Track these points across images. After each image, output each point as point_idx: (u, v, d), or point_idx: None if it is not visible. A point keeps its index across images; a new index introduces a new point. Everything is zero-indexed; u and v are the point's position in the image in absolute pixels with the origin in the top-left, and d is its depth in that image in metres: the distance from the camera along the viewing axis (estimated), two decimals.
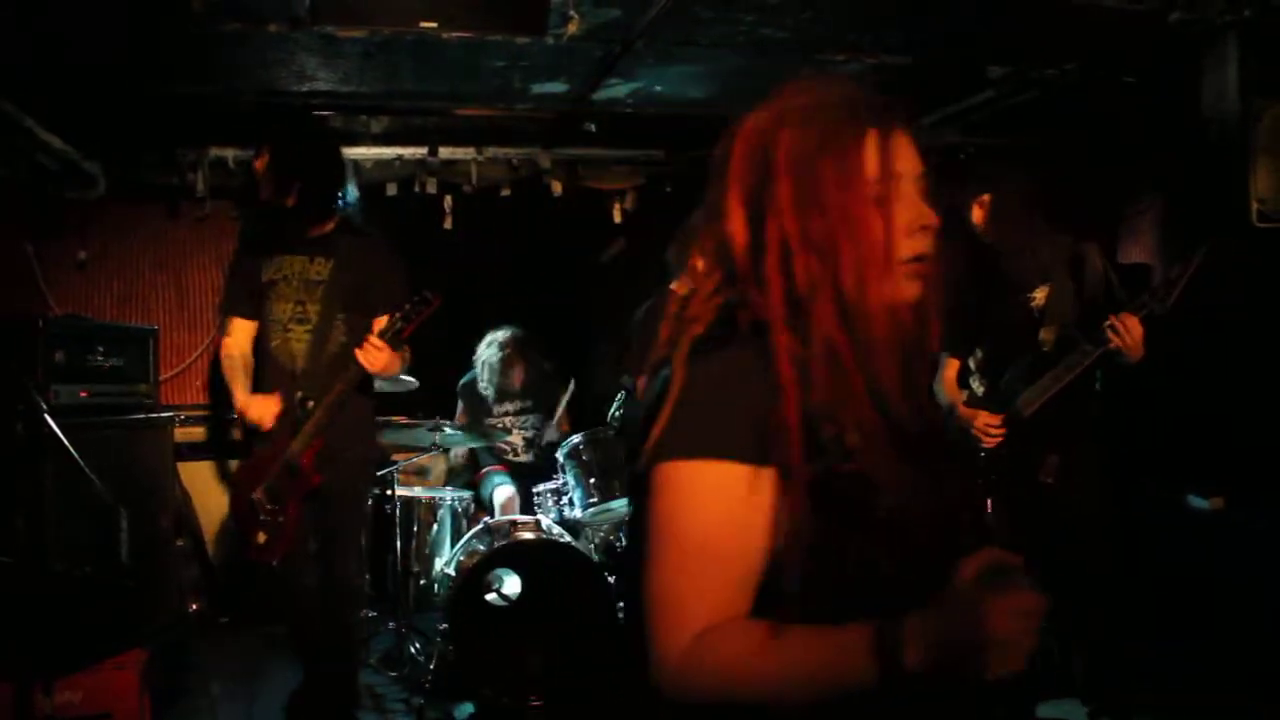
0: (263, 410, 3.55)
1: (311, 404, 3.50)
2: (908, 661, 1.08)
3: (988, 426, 3.80)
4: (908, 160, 1.33)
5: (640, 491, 1.25)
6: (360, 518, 3.83)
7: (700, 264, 1.37)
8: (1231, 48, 3.63)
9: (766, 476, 1.18)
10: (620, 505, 4.57)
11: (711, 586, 1.18)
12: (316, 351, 3.62)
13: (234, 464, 5.37)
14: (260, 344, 3.70)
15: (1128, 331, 3.40)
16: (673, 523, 1.20)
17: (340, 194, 3.88)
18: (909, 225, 1.29)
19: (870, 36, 3.93)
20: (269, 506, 3.52)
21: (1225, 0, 3.53)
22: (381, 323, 3.59)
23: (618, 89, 4.54)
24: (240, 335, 3.74)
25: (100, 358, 4.15)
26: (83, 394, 4.03)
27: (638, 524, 1.28)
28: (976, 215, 3.84)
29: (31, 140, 4.52)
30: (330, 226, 3.69)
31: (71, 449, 3.39)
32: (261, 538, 3.51)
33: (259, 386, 3.67)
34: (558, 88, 4.50)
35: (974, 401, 3.95)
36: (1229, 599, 4.08)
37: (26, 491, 3.58)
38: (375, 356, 3.50)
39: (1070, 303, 3.71)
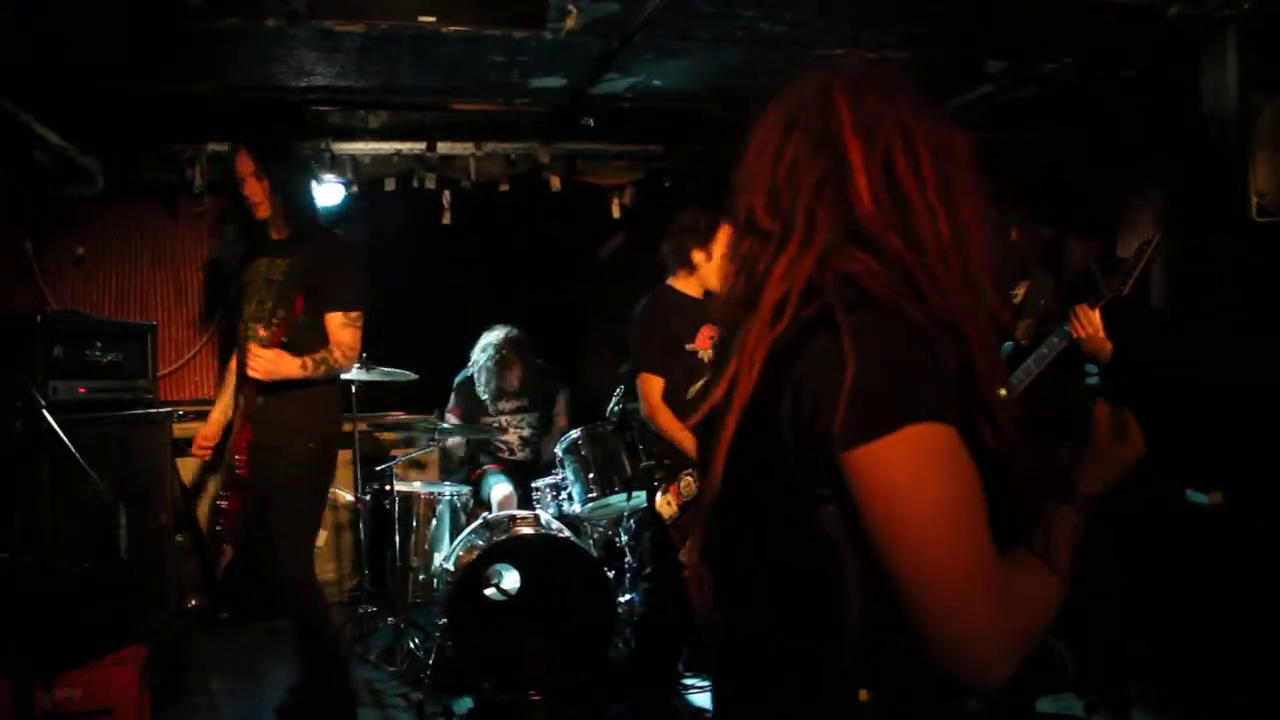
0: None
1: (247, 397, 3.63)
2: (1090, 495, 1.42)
3: None
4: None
5: (837, 476, 1.16)
6: (299, 513, 3.73)
7: (766, 225, 1.33)
8: (1231, 42, 3.62)
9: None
10: (619, 500, 4.57)
11: (987, 540, 1.14)
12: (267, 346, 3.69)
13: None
14: (239, 343, 3.77)
15: (1087, 322, 3.48)
16: (924, 492, 1.12)
17: (308, 200, 3.89)
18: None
19: (868, 30, 3.92)
20: (222, 494, 3.68)
21: None
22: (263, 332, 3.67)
23: (616, 83, 4.54)
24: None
25: (99, 353, 4.15)
26: (81, 390, 4.02)
27: (840, 513, 1.18)
28: None
29: (29, 137, 4.52)
30: (289, 231, 3.76)
31: (70, 445, 3.39)
32: (219, 525, 3.70)
33: (234, 385, 3.80)
34: (556, 82, 4.49)
35: None
36: (1228, 594, 4.08)
37: (25, 487, 3.58)
38: (256, 364, 3.58)
39: (1050, 296, 3.75)
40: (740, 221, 1.37)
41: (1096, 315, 3.49)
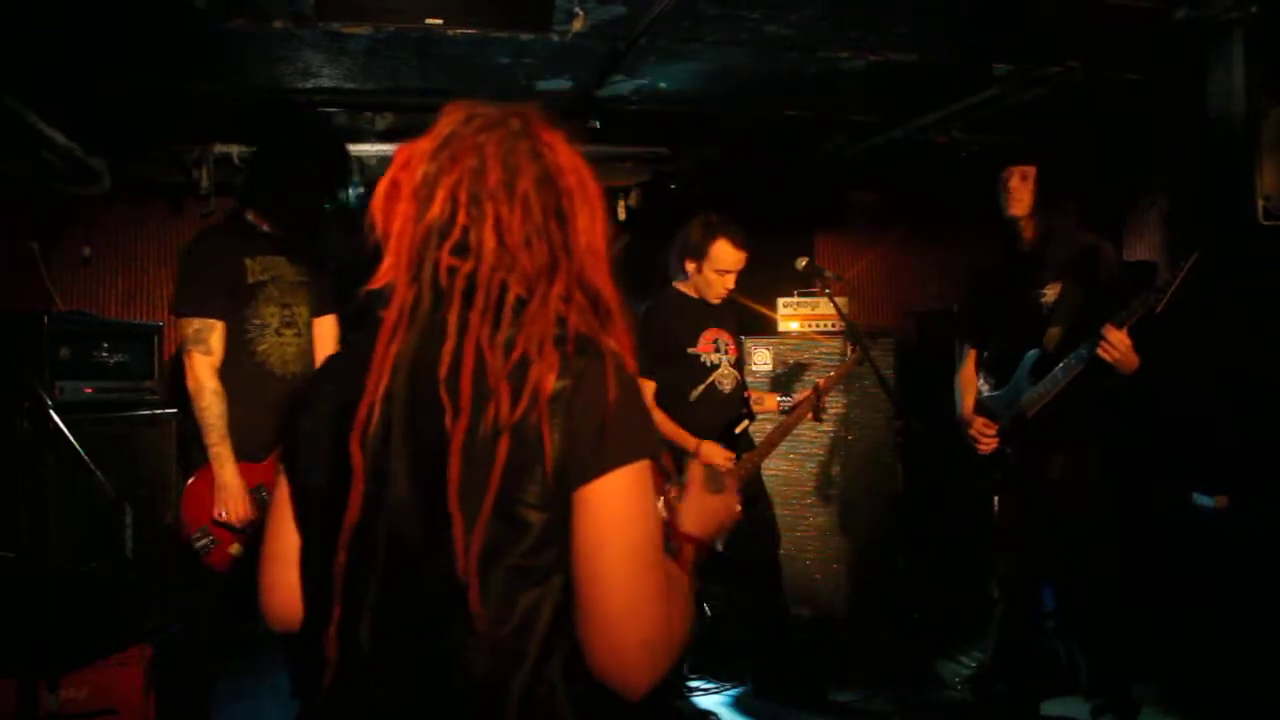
0: (242, 503, 3.29)
1: None
2: (694, 535, 1.53)
3: (980, 434, 3.81)
4: None
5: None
6: None
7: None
8: (1237, 45, 3.61)
9: None
10: None
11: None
12: (307, 357, 3.58)
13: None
14: (240, 347, 3.42)
15: (1114, 346, 3.41)
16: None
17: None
18: None
19: (875, 33, 3.92)
20: (254, 519, 3.33)
21: None
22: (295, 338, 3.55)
23: (622, 86, 4.54)
24: (219, 349, 3.36)
25: (105, 354, 4.16)
26: (87, 390, 4.03)
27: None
28: (1015, 184, 3.72)
29: (36, 136, 4.52)
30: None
31: (76, 445, 3.39)
32: (236, 548, 3.33)
33: (243, 393, 3.37)
34: (562, 84, 4.50)
35: (981, 401, 3.94)
36: (1234, 597, 4.08)
37: (30, 487, 3.58)
38: None
39: (1079, 303, 3.70)
40: None
41: (1124, 335, 3.41)
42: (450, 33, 3.71)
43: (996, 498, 3.92)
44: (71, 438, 3.38)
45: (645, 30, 3.73)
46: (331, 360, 1.54)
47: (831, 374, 4.35)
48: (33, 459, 3.57)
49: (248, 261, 3.43)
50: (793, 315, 5.47)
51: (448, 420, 1.25)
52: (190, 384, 3.32)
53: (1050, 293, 3.74)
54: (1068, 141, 5.32)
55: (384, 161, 5.36)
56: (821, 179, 6.11)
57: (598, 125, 5.03)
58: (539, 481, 1.24)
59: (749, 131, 5.37)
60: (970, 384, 4.02)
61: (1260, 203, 3.64)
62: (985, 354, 3.99)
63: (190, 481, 3.34)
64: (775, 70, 4.33)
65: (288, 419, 1.43)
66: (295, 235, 3.56)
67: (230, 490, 3.28)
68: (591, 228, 1.40)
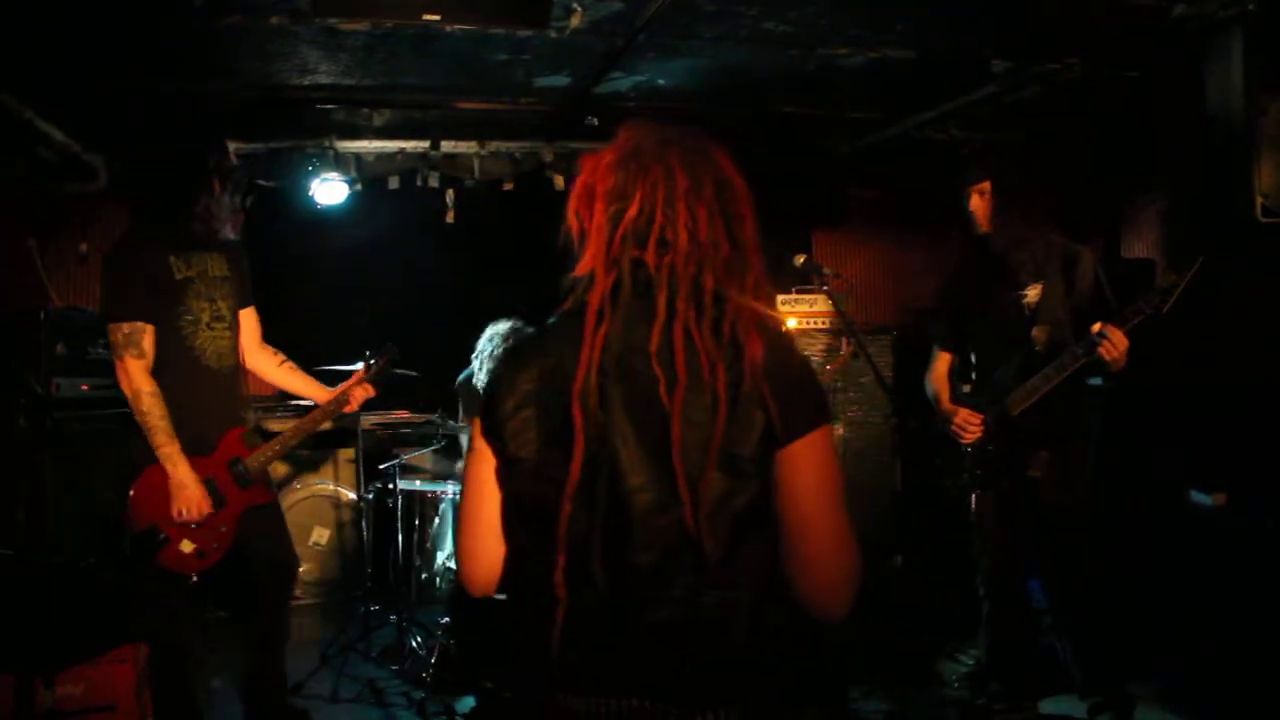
0: (201, 501, 3.33)
1: (256, 420, 3.49)
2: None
3: (966, 423, 3.82)
4: None
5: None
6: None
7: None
8: (1236, 41, 3.61)
9: None
10: None
11: None
12: (236, 349, 3.62)
13: None
14: (175, 344, 3.42)
15: (1114, 346, 3.42)
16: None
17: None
18: None
19: (873, 30, 3.92)
20: (210, 514, 3.36)
21: None
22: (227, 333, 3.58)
23: (620, 83, 4.53)
24: (151, 351, 3.36)
25: (101, 350, 4.15)
26: (84, 386, 4.03)
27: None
28: (975, 204, 3.82)
29: (33, 133, 4.52)
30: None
31: (73, 441, 3.39)
32: (189, 546, 3.34)
33: (184, 389, 3.39)
34: (560, 81, 4.49)
35: (964, 396, 3.96)
36: (1231, 594, 4.08)
37: (28, 484, 3.58)
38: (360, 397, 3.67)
39: (1061, 304, 3.71)
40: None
41: (1124, 336, 3.42)
42: (448, 29, 3.71)
43: (974, 495, 3.92)
44: (68, 435, 3.37)
45: (643, 27, 3.73)
46: (525, 342, 1.68)
47: (828, 368, 4.34)
48: (30, 456, 3.57)
49: (173, 259, 3.44)
50: (790, 312, 5.47)
51: (662, 389, 1.46)
52: (127, 389, 3.32)
53: (1031, 293, 3.76)
54: (1065, 139, 5.33)
55: (381, 158, 5.39)
56: (819, 176, 6.10)
57: (595, 122, 5.02)
58: (758, 440, 1.46)
59: (747, 128, 5.37)
60: (943, 382, 4.05)
61: (1259, 200, 3.63)
62: (964, 355, 4.01)
63: (136, 482, 3.31)
64: (774, 67, 4.33)
65: (487, 401, 1.60)
66: (209, 230, 3.53)
67: (188, 489, 3.30)
68: (755, 229, 1.61)
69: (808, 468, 1.48)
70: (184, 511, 3.28)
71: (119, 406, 4.04)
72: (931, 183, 5.93)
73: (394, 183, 5.50)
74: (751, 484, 1.47)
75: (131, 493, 3.29)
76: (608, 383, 1.50)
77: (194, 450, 3.36)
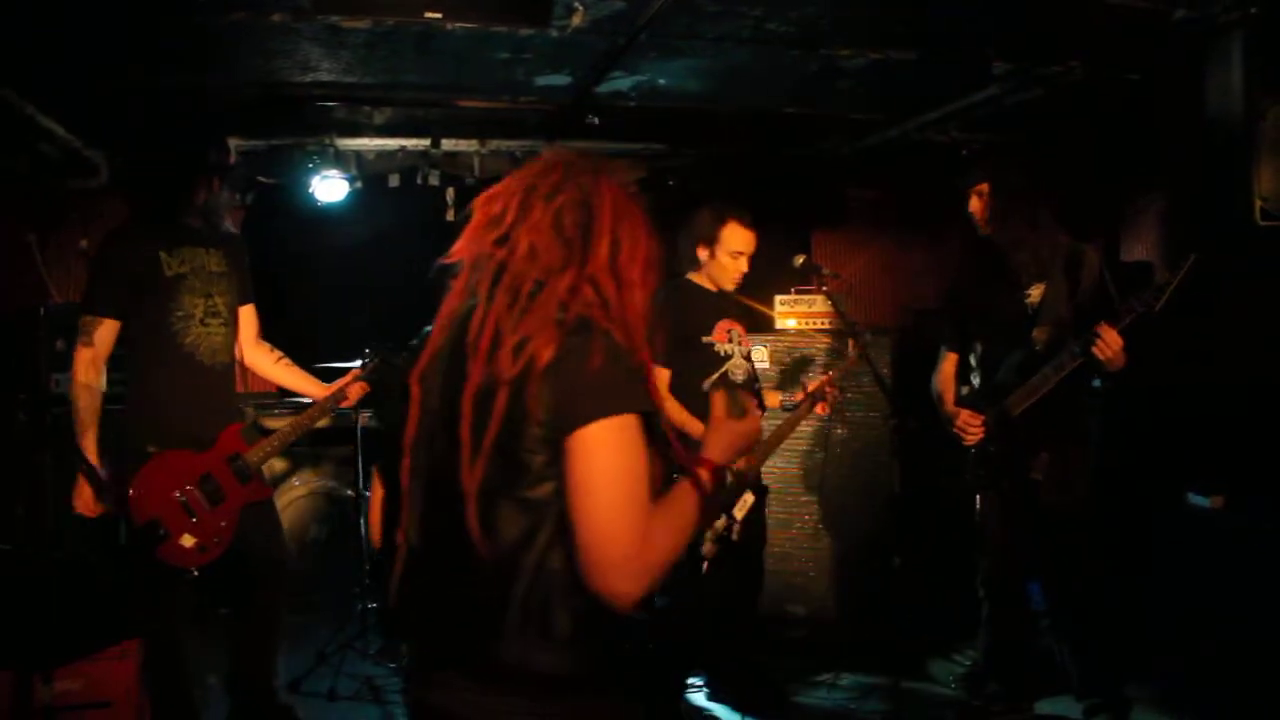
0: (88, 501, 3.35)
1: (254, 416, 3.49)
2: (712, 460, 1.77)
3: (967, 424, 3.83)
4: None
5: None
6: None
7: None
8: (1236, 45, 3.61)
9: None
10: None
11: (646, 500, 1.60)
12: (232, 346, 3.63)
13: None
14: (166, 340, 3.43)
15: (1107, 345, 3.43)
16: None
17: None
18: None
19: (875, 32, 3.92)
20: (206, 508, 3.38)
21: None
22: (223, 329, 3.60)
23: (621, 82, 4.54)
24: (106, 345, 3.39)
25: None
26: None
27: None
28: (974, 206, 3.85)
29: (34, 129, 4.52)
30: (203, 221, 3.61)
31: (73, 438, 3.39)
32: (189, 541, 3.34)
33: (176, 385, 3.44)
34: (561, 80, 4.49)
35: (966, 397, 3.97)
36: (1229, 596, 4.09)
37: (27, 479, 3.58)
38: (357, 393, 3.70)
39: (1064, 303, 3.72)
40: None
41: (1118, 335, 3.43)
42: (449, 27, 3.71)
43: (978, 496, 3.93)
44: (68, 431, 3.37)
45: (645, 26, 3.73)
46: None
47: (833, 370, 4.33)
48: (29, 452, 3.57)
49: (164, 255, 3.43)
50: (790, 313, 5.47)
51: (467, 368, 1.61)
52: (73, 373, 3.36)
53: (1035, 293, 3.77)
54: (1066, 141, 5.33)
55: (382, 155, 5.39)
56: (820, 177, 6.11)
57: (596, 121, 5.02)
58: (535, 431, 1.56)
59: (748, 129, 5.37)
60: (949, 383, 4.06)
61: (1258, 203, 3.64)
62: (969, 355, 4.02)
63: (134, 477, 3.31)
64: (775, 68, 4.33)
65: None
66: (209, 226, 3.55)
67: (81, 486, 3.33)
68: (617, 255, 1.69)
69: (583, 460, 1.54)
70: (77, 505, 3.32)
71: (118, 402, 4.04)
72: (932, 184, 5.95)
73: (394, 180, 5.50)
74: (531, 471, 1.58)
75: (130, 490, 3.29)
76: (441, 361, 1.72)
77: (191, 446, 3.38)
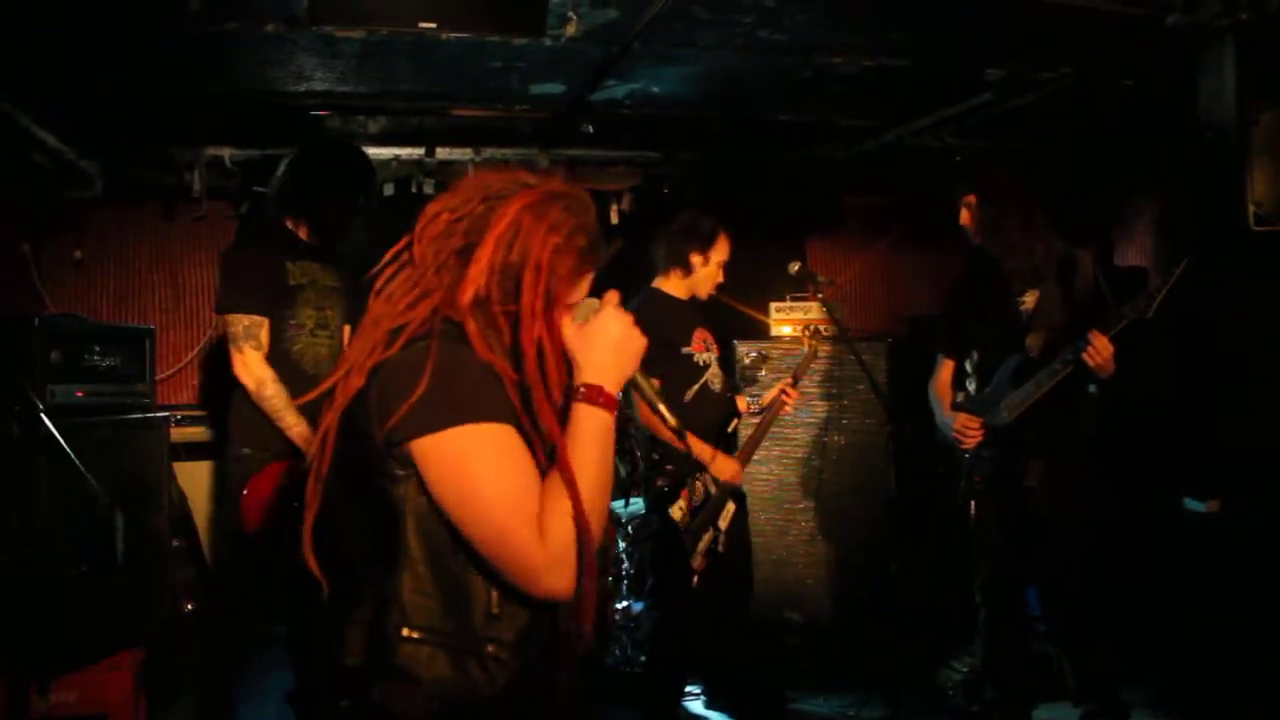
0: None
1: None
2: (591, 382, 1.67)
3: (965, 428, 3.83)
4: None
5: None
6: None
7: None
8: (1228, 51, 3.62)
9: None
10: (615, 506, 4.55)
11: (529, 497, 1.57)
12: (335, 358, 3.67)
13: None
14: (276, 346, 3.55)
15: (1098, 352, 3.42)
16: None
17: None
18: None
19: (868, 39, 3.93)
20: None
21: (1222, 3, 3.53)
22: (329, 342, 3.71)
23: (615, 90, 4.54)
24: (267, 344, 3.52)
25: (96, 357, 4.14)
26: (79, 394, 4.01)
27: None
28: (964, 218, 3.85)
29: (28, 139, 4.51)
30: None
31: (67, 448, 3.38)
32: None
33: None
34: (555, 89, 4.50)
35: (962, 404, 3.97)
36: (1225, 601, 4.09)
37: (22, 491, 3.58)
38: None
39: (1058, 309, 3.71)
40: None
41: (1108, 341, 3.42)
42: (443, 37, 3.71)
43: (973, 503, 3.92)
44: (63, 442, 3.37)
45: (639, 35, 3.74)
46: None
47: (796, 370, 4.31)
48: (24, 463, 3.56)
49: (289, 265, 3.61)
50: (784, 319, 5.47)
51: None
52: (248, 379, 3.46)
53: (1029, 299, 3.77)
54: (1059, 147, 5.34)
55: (377, 164, 5.34)
56: (814, 183, 6.11)
57: (590, 129, 5.03)
58: (374, 434, 1.58)
59: (742, 136, 5.38)
60: (946, 390, 4.06)
61: (1251, 209, 3.65)
62: (965, 362, 4.02)
63: (245, 488, 3.40)
64: (768, 75, 4.33)
65: None
66: (329, 243, 3.72)
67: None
68: (488, 265, 1.68)
69: (429, 468, 1.55)
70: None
71: (114, 413, 4.04)
72: (927, 189, 5.96)
73: (388, 189, 5.50)
74: (375, 475, 1.60)
75: (244, 495, 3.39)
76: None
77: (279, 454, 3.46)
